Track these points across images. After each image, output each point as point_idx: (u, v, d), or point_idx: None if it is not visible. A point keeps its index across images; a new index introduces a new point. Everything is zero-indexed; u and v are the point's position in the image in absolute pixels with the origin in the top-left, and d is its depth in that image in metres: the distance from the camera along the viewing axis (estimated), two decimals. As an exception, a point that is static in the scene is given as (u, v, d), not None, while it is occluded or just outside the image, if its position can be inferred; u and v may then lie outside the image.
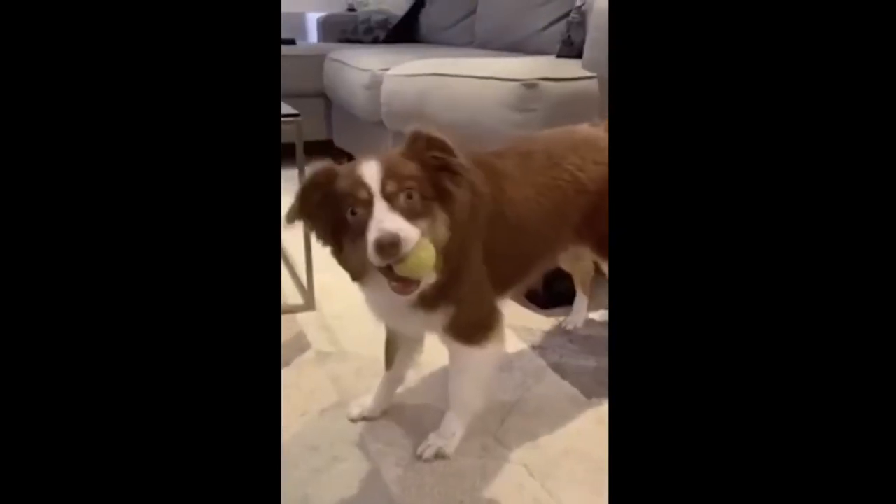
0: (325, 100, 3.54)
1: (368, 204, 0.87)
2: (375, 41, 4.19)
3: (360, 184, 0.88)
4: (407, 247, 0.84)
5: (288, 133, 1.82)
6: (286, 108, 1.80)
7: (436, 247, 0.89)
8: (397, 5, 4.45)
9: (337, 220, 0.91)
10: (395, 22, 4.30)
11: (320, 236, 0.97)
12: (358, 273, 0.95)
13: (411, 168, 0.90)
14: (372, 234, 0.84)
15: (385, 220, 0.85)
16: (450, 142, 0.91)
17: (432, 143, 0.92)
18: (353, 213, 0.88)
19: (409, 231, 0.85)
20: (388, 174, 0.88)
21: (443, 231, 0.92)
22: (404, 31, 4.23)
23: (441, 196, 0.92)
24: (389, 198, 0.87)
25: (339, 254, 0.96)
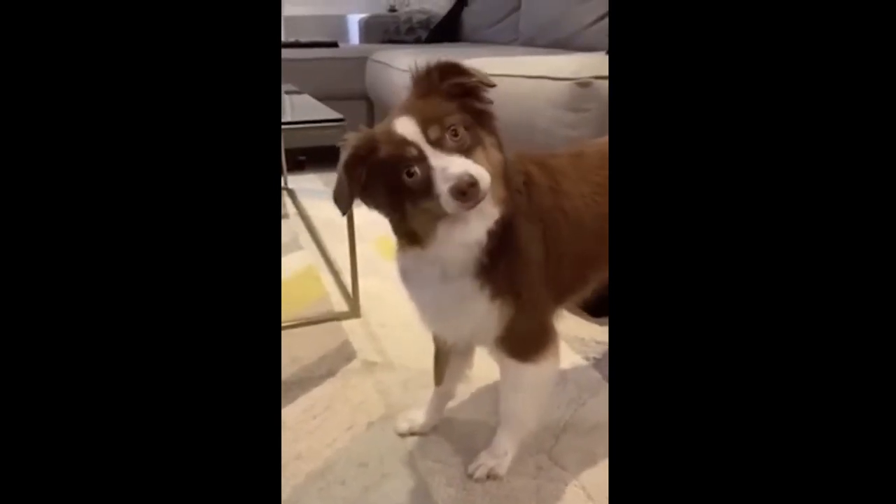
0: (367, 102, 3.53)
1: (422, 160, 0.82)
2: (418, 41, 4.17)
3: (405, 143, 0.82)
4: (485, 182, 0.80)
5: (333, 137, 1.82)
6: (330, 113, 1.79)
7: (494, 170, 0.85)
8: (439, 4, 4.41)
9: (392, 186, 0.85)
10: (437, 21, 4.26)
11: (379, 207, 0.91)
12: (425, 234, 0.89)
13: (441, 105, 0.85)
14: (444, 184, 0.80)
15: (450, 166, 0.80)
16: (460, 63, 0.86)
17: (444, 71, 0.87)
18: (410, 174, 0.83)
19: (476, 167, 0.80)
20: (426, 121, 0.82)
21: (496, 153, 0.87)
22: (447, 31, 4.19)
23: (478, 119, 0.87)
24: (438, 144, 0.82)
25: (403, 221, 0.90)
